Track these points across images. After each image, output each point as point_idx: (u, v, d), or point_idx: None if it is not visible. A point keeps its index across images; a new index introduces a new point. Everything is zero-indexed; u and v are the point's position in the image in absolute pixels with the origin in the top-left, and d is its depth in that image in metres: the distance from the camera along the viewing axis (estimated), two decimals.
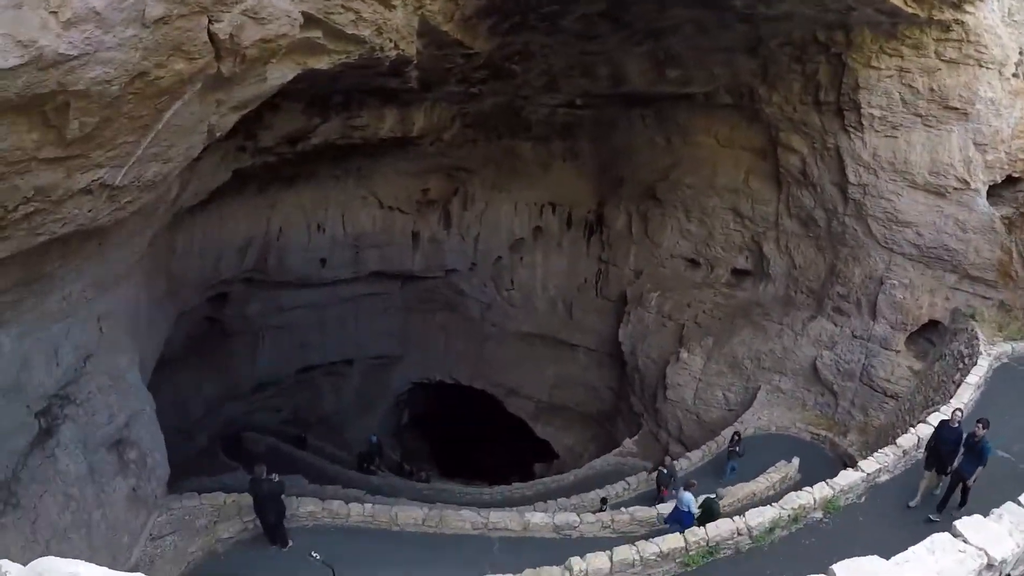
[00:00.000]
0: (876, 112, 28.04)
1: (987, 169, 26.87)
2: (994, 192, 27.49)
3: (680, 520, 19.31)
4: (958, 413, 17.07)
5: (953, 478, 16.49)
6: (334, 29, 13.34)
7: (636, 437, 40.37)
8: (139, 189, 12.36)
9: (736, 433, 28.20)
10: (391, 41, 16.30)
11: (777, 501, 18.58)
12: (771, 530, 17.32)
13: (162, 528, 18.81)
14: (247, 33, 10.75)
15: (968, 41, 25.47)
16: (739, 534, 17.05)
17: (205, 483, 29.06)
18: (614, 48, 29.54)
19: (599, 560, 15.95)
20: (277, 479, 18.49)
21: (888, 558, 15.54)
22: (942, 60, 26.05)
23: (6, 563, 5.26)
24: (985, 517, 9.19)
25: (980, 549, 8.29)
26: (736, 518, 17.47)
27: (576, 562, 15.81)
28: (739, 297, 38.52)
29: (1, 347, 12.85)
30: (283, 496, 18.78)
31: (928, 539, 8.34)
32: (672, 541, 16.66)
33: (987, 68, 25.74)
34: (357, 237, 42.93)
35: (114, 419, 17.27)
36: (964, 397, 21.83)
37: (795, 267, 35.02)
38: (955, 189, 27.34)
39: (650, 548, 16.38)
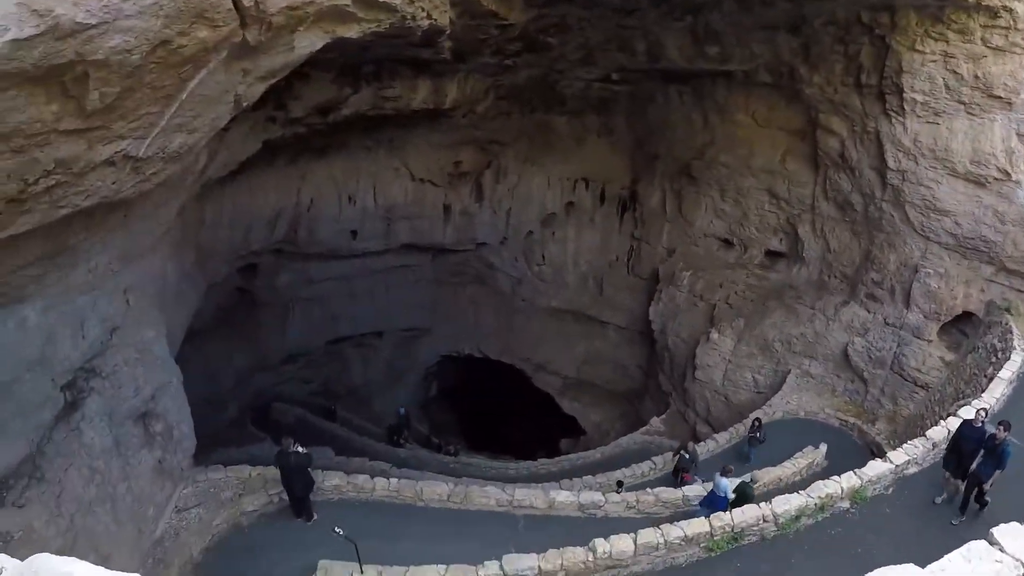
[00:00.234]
0: (918, 97, 27.51)
1: None
2: None
3: (714, 504, 19.15)
4: (982, 413, 16.75)
5: (970, 480, 16.21)
6: None
7: (664, 416, 40.34)
8: (164, 160, 12.15)
9: (757, 419, 28.12)
10: (423, 10, 16.05)
11: (803, 487, 18.56)
12: (797, 518, 17.27)
13: (187, 500, 18.88)
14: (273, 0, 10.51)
15: (1016, 29, 24.87)
16: (765, 521, 17.04)
17: (233, 454, 29.42)
18: (653, 22, 29.07)
19: (623, 542, 16.00)
20: (304, 451, 18.53)
21: (915, 553, 15.39)
22: (988, 47, 25.49)
23: (3, 558, 5.17)
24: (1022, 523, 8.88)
25: (1017, 560, 7.95)
26: (762, 504, 17.46)
27: (600, 543, 15.87)
28: (772, 279, 38.12)
29: (26, 321, 12.76)
30: (310, 469, 18.81)
31: (964, 547, 8.04)
32: (697, 525, 16.68)
33: None
34: (388, 209, 42.71)
35: (140, 392, 17.23)
36: (996, 392, 21.55)
37: (830, 251, 34.59)
38: (996, 180, 26.77)
39: (674, 532, 16.41)
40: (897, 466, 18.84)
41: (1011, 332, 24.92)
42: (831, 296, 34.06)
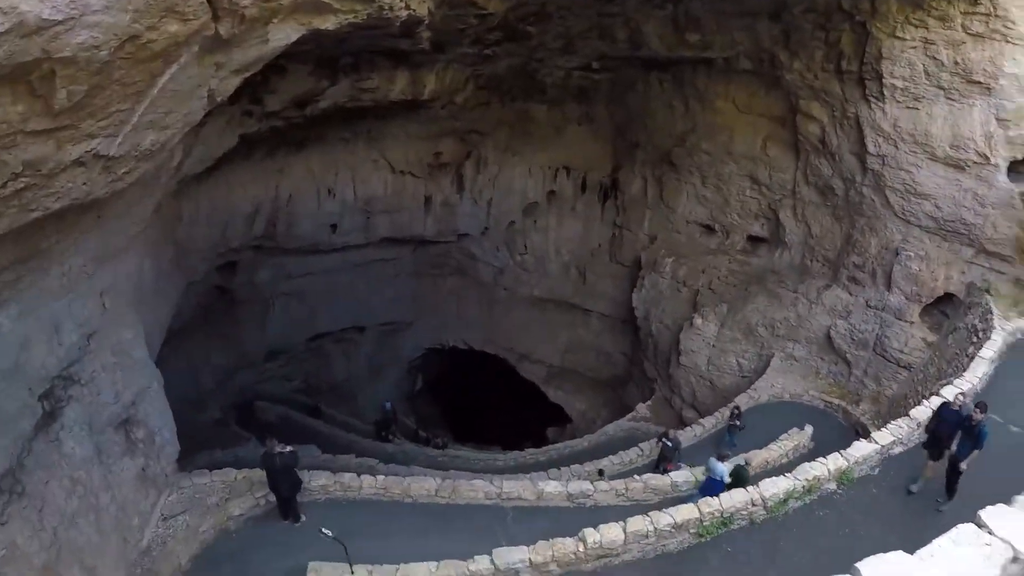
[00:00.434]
0: (898, 83, 27.68)
1: (1008, 145, 26.35)
2: (1015, 168, 26.98)
3: (711, 490, 19.16)
4: (960, 397, 16.90)
5: (950, 461, 16.29)
6: None
7: (649, 402, 40.41)
8: (136, 159, 11.88)
9: (736, 407, 28.10)
10: (401, 0, 15.83)
11: (790, 469, 18.74)
12: (785, 501, 17.40)
13: (173, 507, 18.58)
14: None
15: (996, 16, 25.00)
16: (753, 505, 17.14)
17: (218, 456, 29.14)
18: (633, 10, 29.08)
19: (613, 531, 15.99)
20: (289, 450, 18.32)
21: (902, 532, 15.61)
22: (968, 33, 25.61)
23: None
24: (1009, 505, 8.89)
25: (1006, 542, 7.95)
26: (750, 488, 17.56)
27: (590, 533, 15.85)
28: (754, 264, 38.21)
29: (0, 328, 12.46)
30: (296, 469, 18.62)
31: (953, 530, 8.06)
32: (686, 512, 16.72)
33: (1013, 44, 25.24)
34: (368, 202, 42.35)
35: (120, 397, 16.87)
36: (978, 371, 21.77)
37: (811, 236, 34.71)
38: (975, 163, 26.91)
39: (664, 519, 16.43)
40: (883, 446, 19.01)
41: (991, 312, 25.16)
42: (813, 280, 34.18)
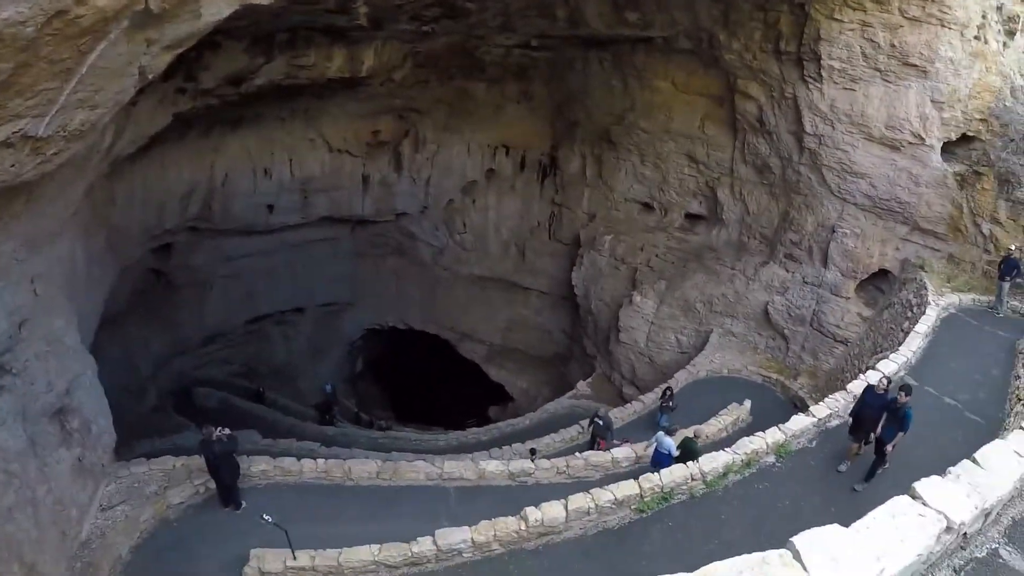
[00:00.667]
0: (836, 64, 28.17)
1: (943, 126, 27.24)
2: (948, 149, 27.90)
3: (661, 463, 19.33)
4: (884, 380, 16.97)
5: (876, 445, 16.41)
6: None
7: (590, 380, 40.66)
8: (66, 139, 11.56)
9: (668, 388, 28.31)
10: None
11: (730, 444, 18.92)
12: (725, 475, 17.61)
13: (112, 498, 18.17)
14: None
15: (932, 1, 25.68)
16: (693, 479, 17.31)
17: (156, 444, 28.60)
18: None
19: (554, 509, 16.08)
20: (228, 436, 18.04)
21: (840, 503, 15.91)
22: (905, 17, 26.27)
23: None
24: (942, 476, 9.16)
25: (940, 512, 8.22)
26: (690, 464, 17.70)
27: (532, 512, 15.92)
28: (692, 241, 38.61)
29: None
30: (235, 454, 18.35)
31: (888, 503, 8.22)
32: (626, 488, 16.83)
33: (949, 28, 26.05)
34: (305, 181, 41.90)
35: (53, 387, 16.37)
36: (912, 345, 22.23)
37: (748, 213, 35.20)
38: (910, 144, 27.70)
39: (605, 496, 16.53)
40: (819, 419, 19.32)
41: (925, 288, 25.80)
42: (751, 257, 34.69)
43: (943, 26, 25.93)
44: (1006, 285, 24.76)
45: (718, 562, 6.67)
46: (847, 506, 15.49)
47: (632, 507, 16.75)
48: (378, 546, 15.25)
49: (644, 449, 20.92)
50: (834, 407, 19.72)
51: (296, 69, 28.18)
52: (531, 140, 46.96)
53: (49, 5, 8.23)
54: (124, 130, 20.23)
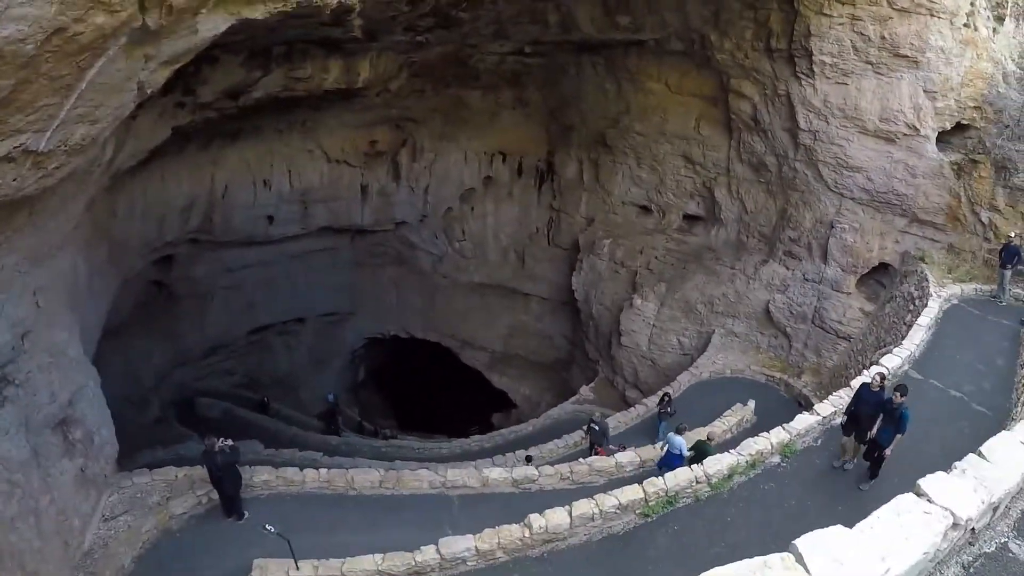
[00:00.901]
0: (827, 59, 28.12)
1: (936, 116, 27.20)
2: (943, 139, 27.87)
3: (671, 464, 19.32)
4: (877, 377, 16.52)
5: (870, 445, 16.11)
6: None
7: (592, 384, 40.60)
8: (67, 153, 11.65)
9: (666, 394, 28.29)
10: None
11: (734, 444, 18.80)
12: (729, 477, 17.40)
13: (114, 508, 18.24)
14: None
15: None
16: (698, 482, 17.11)
17: (159, 455, 28.59)
18: None
19: (558, 516, 15.98)
20: (231, 446, 18.05)
21: (847, 502, 15.80)
22: (894, 8, 26.23)
23: None
24: (948, 472, 9.03)
25: (946, 509, 8.06)
26: (694, 466, 17.55)
27: (536, 519, 15.84)
28: (691, 242, 38.62)
29: None
30: (238, 465, 18.39)
31: (893, 501, 8.04)
32: (631, 493, 16.67)
33: (938, 17, 26.01)
34: (304, 192, 42.04)
35: (56, 398, 16.48)
36: (915, 338, 22.12)
37: (746, 212, 35.20)
38: (904, 135, 27.68)
39: (609, 501, 16.40)
40: (824, 417, 19.15)
41: (926, 280, 25.72)
42: (750, 256, 34.68)
43: (932, 15, 25.92)
44: (1007, 273, 24.68)
45: (719, 568, 6.63)
46: (854, 504, 15.35)
47: (637, 512, 16.62)
48: (381, 555, 15.20)
49: (661, 449, 20.84)
50: (838, 404, 19.44)
51: (293, 81, 28.25)
52: (527, 146, 47.05)
53: (48, 23, 8.32)
54: (124, 144, 20.30)
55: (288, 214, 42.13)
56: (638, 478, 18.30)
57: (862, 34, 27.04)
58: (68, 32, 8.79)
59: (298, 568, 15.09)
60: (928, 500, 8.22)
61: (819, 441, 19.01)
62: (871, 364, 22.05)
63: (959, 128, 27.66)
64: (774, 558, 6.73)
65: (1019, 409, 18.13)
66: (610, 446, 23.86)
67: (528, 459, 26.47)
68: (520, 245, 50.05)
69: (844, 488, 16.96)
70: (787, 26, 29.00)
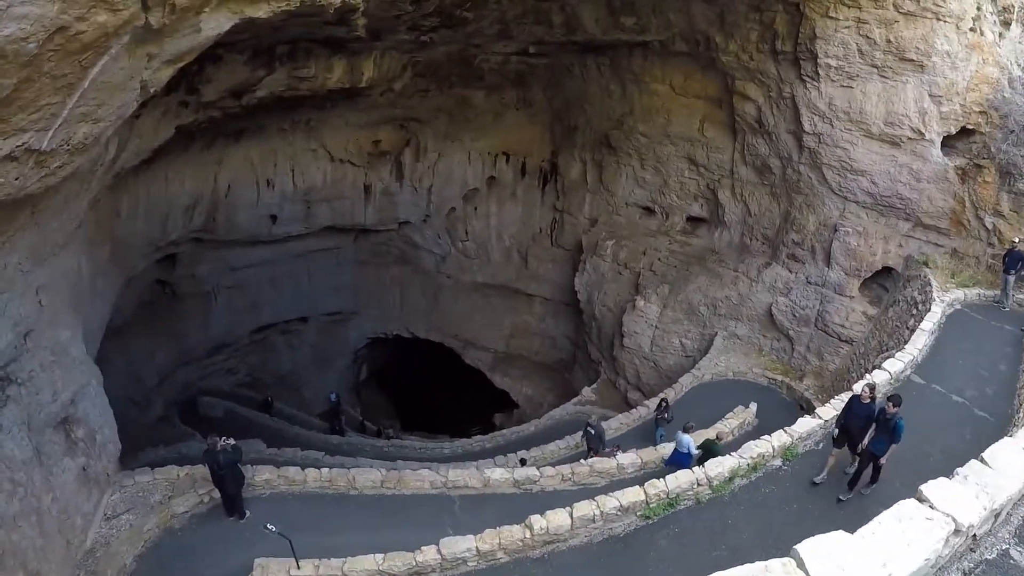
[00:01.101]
0: (832, 62, 28.03)
1: (942, 120, 27.03)
2: (948, 143, 27.72)
3: (680, 462, 19.30)
4: (867, 389, 16.26)
5: (864, 457, 15.73)
6: None
7: (594, 385, 40.53)
8: (69, 152, 11.64)
9: (664, 400, 28.06)
10: None
11: (736, 447, 18.75)
12: (731, 479, 17.37)
13: (116, 507, 18.33)
14: None
15: None
16: (699, 484, 17.06)
17: (161, 454, 28.66)
18: None
19: (559, 517, 15.96)
20: (232, 445, 18.12)
21: (849, 510, 15.73)
22: (900, 12, 26.13)
23: None
24: (950, 478, 9.02)
25: (947, 515, 8.06)
26: (696, 469, 17.54)
27: (537, 520, 15.82)
28: (694, 244, 38.58)
29: None
30: (239, 464, 18.43)
31: (895, 507, 8.06)
32: (632, 495, 16.64)
33: (944, 21, 25.88)
34: (307, 191, 42.11)
35: (59, 396, 16.55)
36: (918, 343, 21.97)
37: (750, 214, 35.12)
38: (909, 139, 27.53)
39: (610, 503, 16.37)
40: (825, 421, 18.98)
41: (930, 285, 25.54)
42: (753, 258, 34.59)
43: (938, 19, 25.80)
44: (1011, 278, 24.53)
45: (720, 572, 6.62)
46: (856, 509, 15.31)
47: (638, 513, 16.59)
48: (382, 555, 15.22)
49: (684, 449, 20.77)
50: (839, 408, 19.44)
51: (297, 81, 28.27)
52: (531, 147, 47.06)
53: (51, 22, 8.32)
54: (127, 143, 20.33)
55: (291, 213, 42.23)
56: (639, 480, 18.34)
57: (868, 37, 26.94)
58: (70, 31, 8.78)
59: (299, 567, 15.11)
60: (930, 506, 8.22)
61: (821, 445, 18.85)
62: (873, 368, 21.88)
63: (964, 133, 27.48)
64: (775, 563, 6.73)
65: (1021, 415, 18.04)
66: (606, 449, 23.80)
67: (522, 462, 26.41)
68: (523, 246, 50.04)
69: (846, 492, 16.89)
70: (792, 28, 28.93)
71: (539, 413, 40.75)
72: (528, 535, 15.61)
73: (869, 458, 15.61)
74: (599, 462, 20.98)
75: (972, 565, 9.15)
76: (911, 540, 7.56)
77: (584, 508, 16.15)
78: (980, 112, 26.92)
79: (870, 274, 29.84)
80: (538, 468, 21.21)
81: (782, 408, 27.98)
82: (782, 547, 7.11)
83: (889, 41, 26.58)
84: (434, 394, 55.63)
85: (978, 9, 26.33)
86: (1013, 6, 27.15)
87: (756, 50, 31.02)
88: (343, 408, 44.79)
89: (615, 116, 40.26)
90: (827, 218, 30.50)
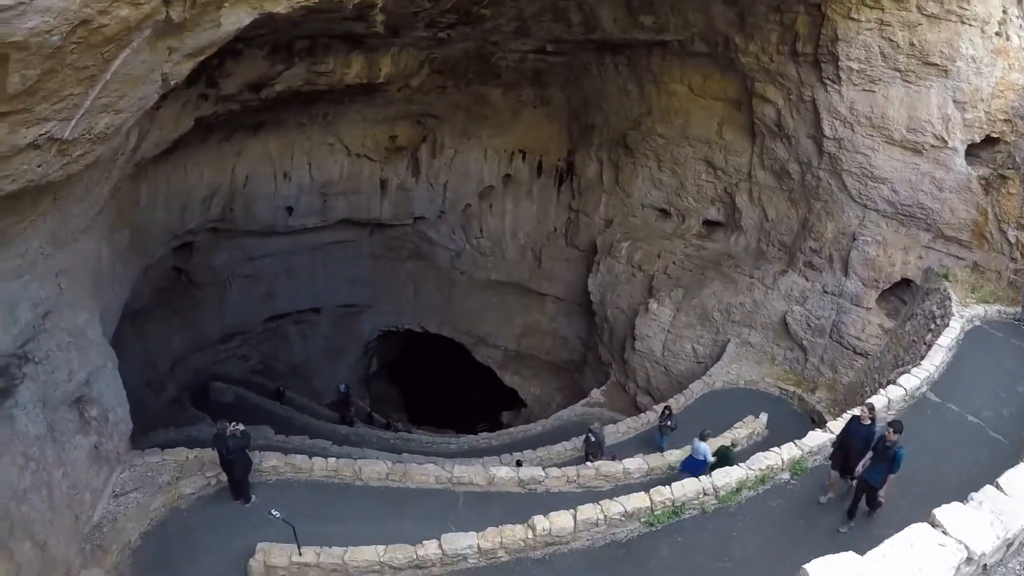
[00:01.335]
0: (854, 65, 27.59)
1: (966, 128, 26.27)
2: (972, 152, 26.86)
3: (694, 468, 19.30)
4: (865, 410, 15.78)
5: (859, 485, 15.26)
6: None
7: (604, 387, 40.36)
8: (91, 142, 11.86)
9: (667, 407, 27.65)
10: None
11: (745, 457, 18.60)
12: (738, 491, 17.24)
13: (125, 485, 18.66)
14: None
15: None
16: (705, 494, 16.98)
17: (172, 435, 28.95)
18: None
19: (563, 519, 16.03)
20: (242, 431, 18.33)
21: (857, 527, 15.51)
22: (923, 15, 25.54)
23: None
24: (964, 503, 8.89)
25: (960, 542, 7.95)
26: (702, 478, 17.42)
27: (539, 520, 15.90)
28: (710, 249, 38.34)
29: None
30: (247, 449, 18.67)
31: (906, 530, 7.97)
32: (637, 500, 16.63)
33: (969, 25, 25.22)
34: (324, 185, 42.43)
35: (74, 376, 16.93)
36: (936, 359, 21.47)
37: (767, 220, 34.82)
38: (932, 147, 26.89)
39: (615, 507, 16.38)
40: (836, 436, 18.63)
41: (949, 299, 24.82)
42: (769, 265, 34.30)
43: (963, 23, 25.16)
44: None
45: None
46: (863, 527, 15.21)
47: (642, 520, 16.58)
48: (384, 547, 15.41)
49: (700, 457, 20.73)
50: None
51: (315, 76, 28.43)
52: (548, 145, 47.05)
53: (74, 15, 8.44)
54: (148, 134, 20.61)
55: (308, 206, 42.59)
56: (645, 485, 18.19)
57: (891, 40, 26.44)
58: (93, 24, 8.89)
59: (301, 554, 15.37)
60: (943, 531, 8.14)
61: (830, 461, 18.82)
62: (888, 383, 21.38)
63: (988, 141, 26.62)
64: None
65: None
66: (603, 458, 23.75)
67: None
68: (537, 244, 50.03)
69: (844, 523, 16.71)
70: (814, 30, 28.59)
71: (547, 413, 40.70)
72: (530, 535, 15.70)
73: (865, 488, 15.13)
74: (605, 465, 20.96)
75: None
76: (922, 565, 7.48)
77: (588, 511, 16.19)
78: (1005, 120, 25.92)
79: (888, 285, 29.32)
80: (543, 468, 21.25)
81: (793, 420, 27.72)
82: (787, 564, 7.10)
83: (912, 44, 26.05)
84: (443, 390, 55.70)
85: (1004, 13, 25.53)
86: None
87: (776, 52, 30.72)
88: (353, 399, 45.03)
89: (632, 116, 40.13)
90: (846, 226, 30.09)
